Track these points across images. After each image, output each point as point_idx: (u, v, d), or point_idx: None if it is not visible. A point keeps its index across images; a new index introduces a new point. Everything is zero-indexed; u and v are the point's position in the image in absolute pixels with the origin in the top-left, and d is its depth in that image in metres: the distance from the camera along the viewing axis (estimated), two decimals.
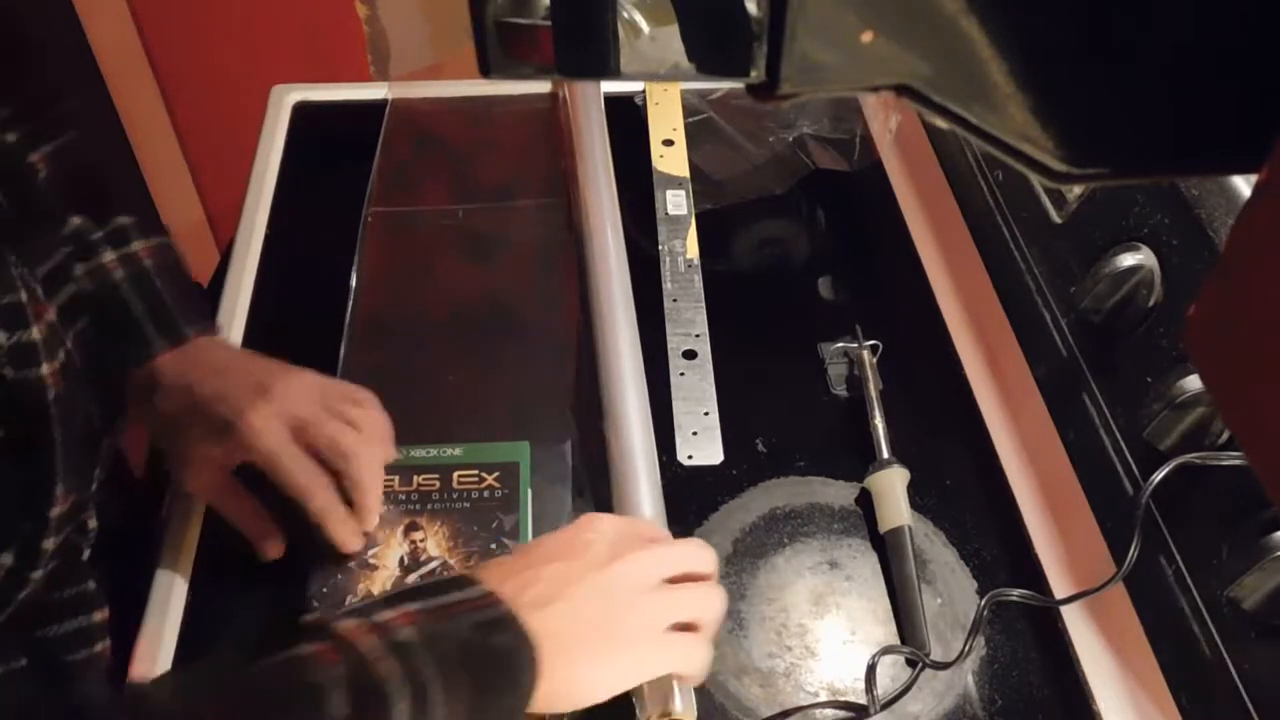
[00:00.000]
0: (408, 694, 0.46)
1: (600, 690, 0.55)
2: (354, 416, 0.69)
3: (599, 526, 0.58)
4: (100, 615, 0.68)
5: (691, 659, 0.57)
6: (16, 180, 0.66)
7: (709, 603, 0.59)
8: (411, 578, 0.68)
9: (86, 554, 0.66)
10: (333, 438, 0.67)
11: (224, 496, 0.69)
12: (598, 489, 0.74)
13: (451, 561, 0.68)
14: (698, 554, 0.60)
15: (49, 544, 0.62)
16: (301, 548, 0.69)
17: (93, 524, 0.65)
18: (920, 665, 0.66)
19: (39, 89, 0.68)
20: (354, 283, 0.86)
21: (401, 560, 0.68)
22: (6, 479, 0.59)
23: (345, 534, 0.67)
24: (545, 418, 0.76)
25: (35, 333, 0.58)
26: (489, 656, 0.49)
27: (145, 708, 0.45)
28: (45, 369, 0.58)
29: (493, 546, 0.69)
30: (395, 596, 0.52)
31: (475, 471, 0.71)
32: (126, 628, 0.67)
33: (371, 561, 0.68)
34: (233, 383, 0.67)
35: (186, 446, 0.67)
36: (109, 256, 0.69)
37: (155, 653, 0.66)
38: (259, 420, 0.65)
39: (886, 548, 0.72)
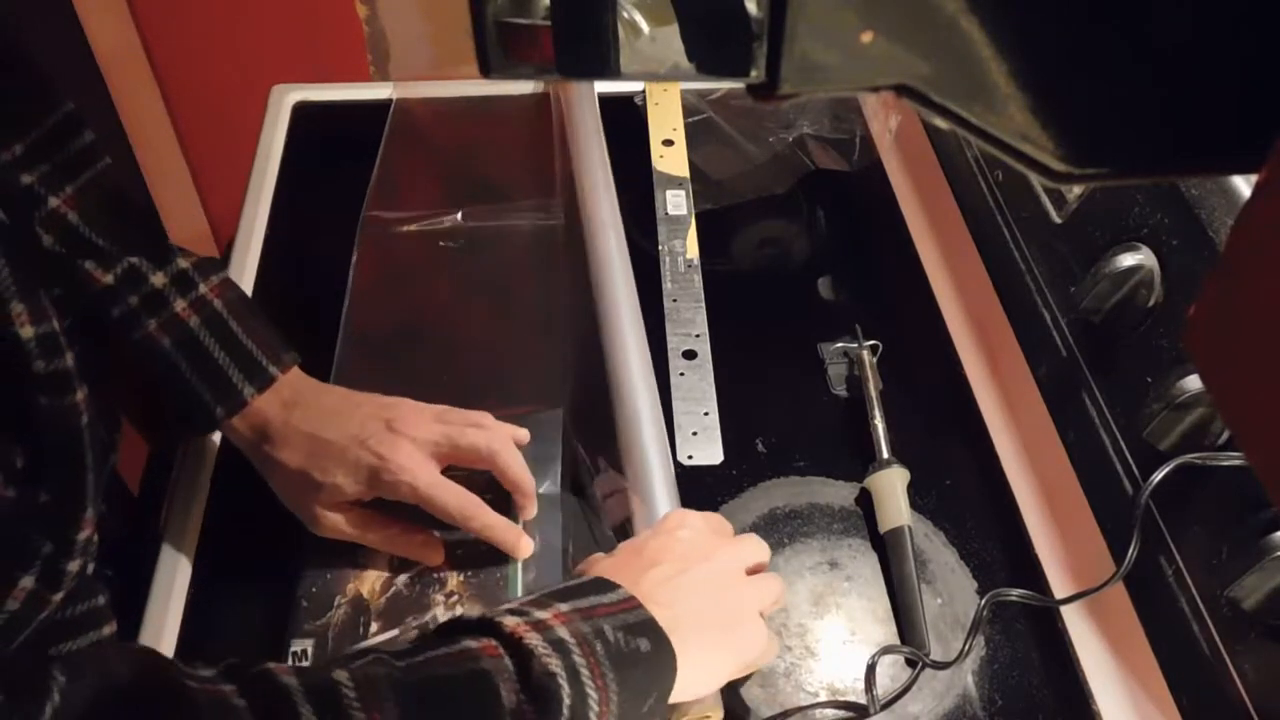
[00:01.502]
0: (569, 690, 0.47)
1: (717, 677, 0.58)
2: (475, 420, 0.70)
3: (690, 523, 0.62)
4: (109, 629, 0.68)
5: (773, 640, 0.62)
6: (42, 226, 0.65)
7: (779, 589, 0.63)
8: (401, 578, 0.68)
9: (91, 569, 0.66)
10: (473, 445, 0.68)
11: (366, 530, 0.68)
12: (588, 491, 0.74)
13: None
14: (762, 546, 0.64)
15: (73, 566, 0.62)
16: (294, 549, 0.69)
17: (95, 538, 0.65)
18: (920, 665, 0.66)
19: (55, 120, 0.66)
20: (350, 284, 0.86)
21: (391, 561, 0.68)
22: (31, 502, 0.59)
23: (515, 543, 0.68)
24: (541, 418, 0.77)
25: (69, 360, 0.58)
26: (636, 658, 0.51)
27: (325, 684, 0.44)
28: (79, 395, 0.59)
29: (482, 547, 0.68)
30: (543, 597, 0.53)
31: (463, 470, 0.71)
32: (127, 640, 0.67)
33: (361, 562, 0.68)
34: (358, 425, 0.67)
35: (322, 495, 0.67)
36: (180, 305, 0.68)
37: None
38: (403, 458, 0.66)
39: (886, 548, 0.72)
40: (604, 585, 0.55)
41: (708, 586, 0.58)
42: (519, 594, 0.67)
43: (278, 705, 0.42)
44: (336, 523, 0.67)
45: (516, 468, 0.69)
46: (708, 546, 0.60)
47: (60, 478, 0.59)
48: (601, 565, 0.59)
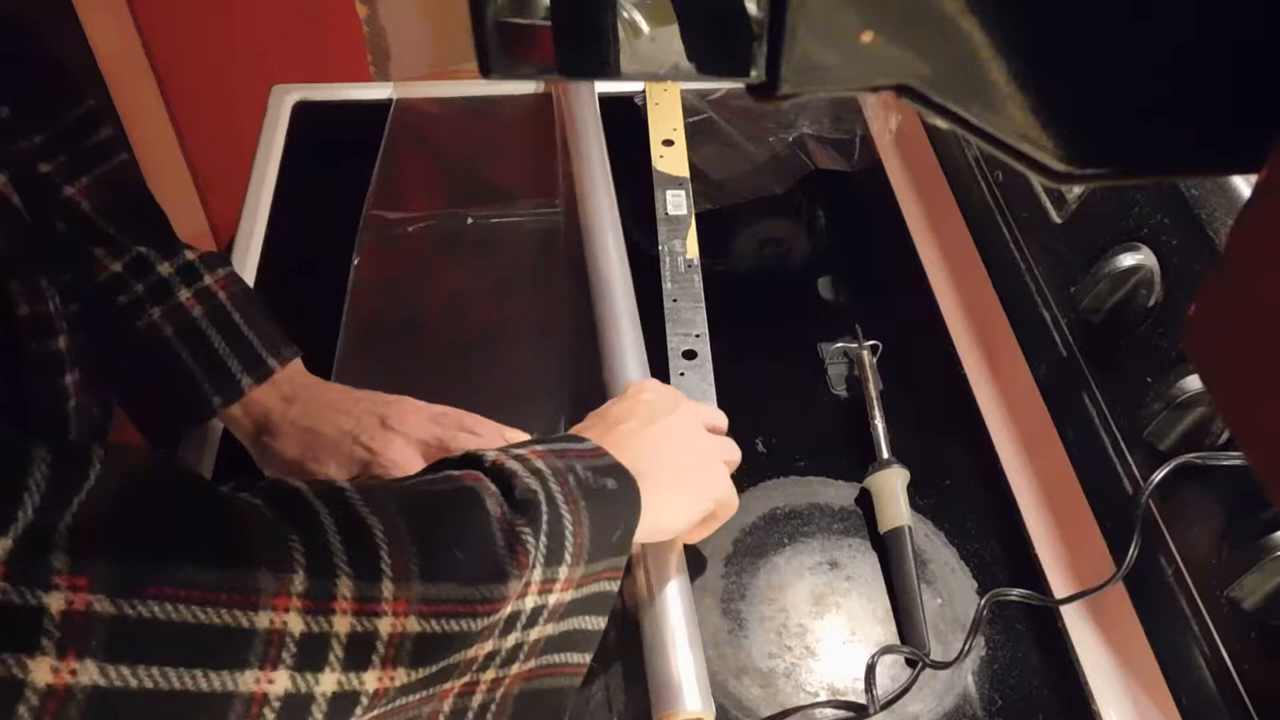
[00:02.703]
0: (547, 509, 0.50)
1: (685, 516, 0.63)
2: (469, 425, 0.70)
3: (652, 387, 0.68)
4: None
5: (732, 491, 0.66)
6: (54, 213, 0.67)
7: (737, 449, 0.68)
8: None
9: None
10: (462, 448, 0.68)
11: None
12: None
13: None
14: (719, 412, 0.71)
15: None
16: None
17: None
18: (920, 665, 0.66)
19: (76, 115, 0.68)
20: (350, 284, 0.86)
21: None
22: None
23: None
24: (541, 418, 0.77)
25: (62, 343, 0.58)
26: (604, 493, 0.54)
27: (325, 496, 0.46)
28: (69, 379, 0.59)
29: None
30: (521, 444, 0.56)
31: None
32: None
33: None
34: (353, 420, 0.69)
35: None
36: (185, 295, 0.69)
37: None
38: (394, 453, 0.67)
39: (886, 548, 0.72)
40: (574, 438, 0.59)
41: (671, 437, 0.63)
42: None
43: (291, 500, 0.44)
44: None
45: None
46: (669, 404, 0.65)
47: None
48: (572, 430, 0.62)
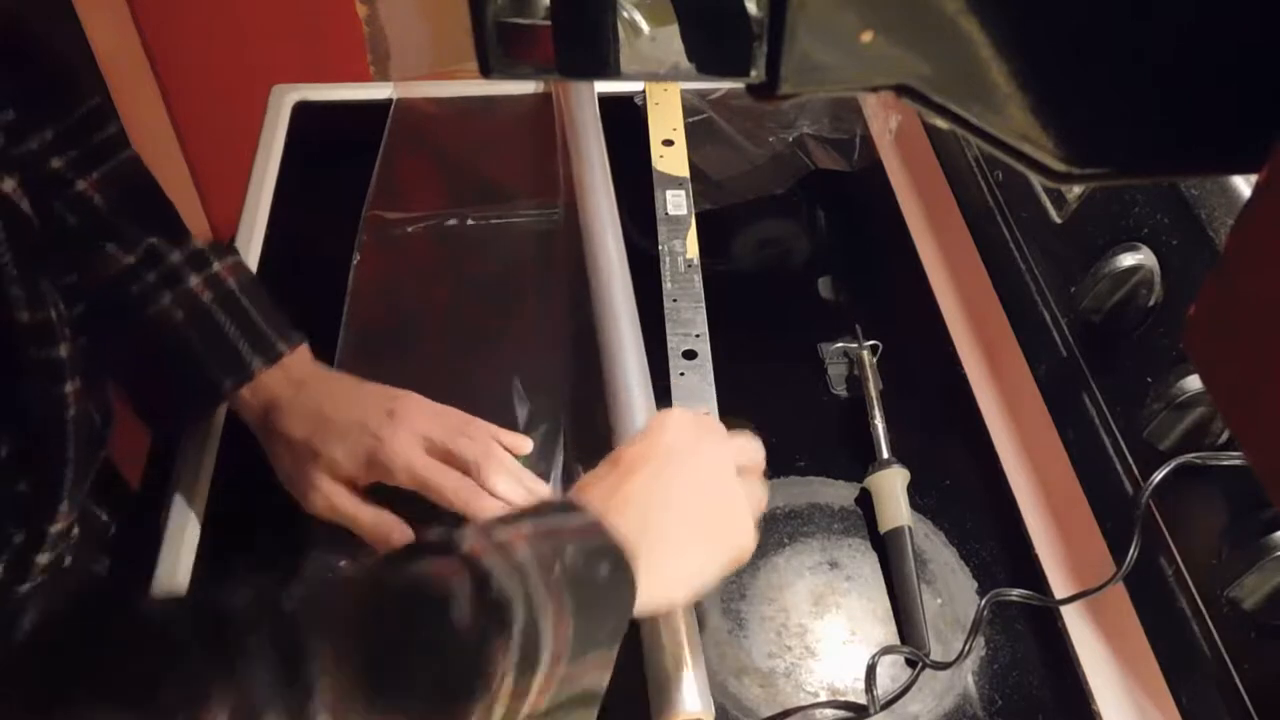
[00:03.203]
0: (523, 613, 0.47)
1: (697, 579, 0.57)
2: (470, 432, 0.71)
3: (672, 423, 0.60)
4: None
5: (754, 539, 0.60)
6: (67, 208, 0.68)
7: (763, 490, 0.63)
8: None
9: (68, 561, 0.65)
10: (459, 452, 0.69)
11: (357, 510, 0.69)
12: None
13: None
14: (754, 444, 0.63)
15: (43, 559, 0.62)
16: (294, 551, 0.69)
17: (75, 532, 0.65)
18: (920, 665, 0.66)
19: (83, 111, 0.69)
20: (350, 284, 0.86)
21: None
22: (8, 491, 0.59)
23: None
24: (541, 419, 0.76)
25: (63, 350, 0.58)
26: (596, 584, 0.50)
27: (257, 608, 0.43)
28: (69, 386, 0.59)
29: None
30: (511, 518, 0.52)
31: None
32: None
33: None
34: (361, 409, 0.69)
35: (319, 467, 0.69)
36: (195, 281, 0.70)
37: None
38: (400, 444, 0.68)
39: (886, 548, 0.72)
40: (570, 508, 0.54)
41: (689, 487, 0.57)
42: None
43: (222, 631, 0.41)
44: (329, 497, 0.69)
45: (501, 485, 0.69)
46: (691, 443, 0.59)
47: (39, 468, 0.59)
48: (581, 482, 0.59)
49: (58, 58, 0.70)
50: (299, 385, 0.71)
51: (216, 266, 0.71)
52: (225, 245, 0.74)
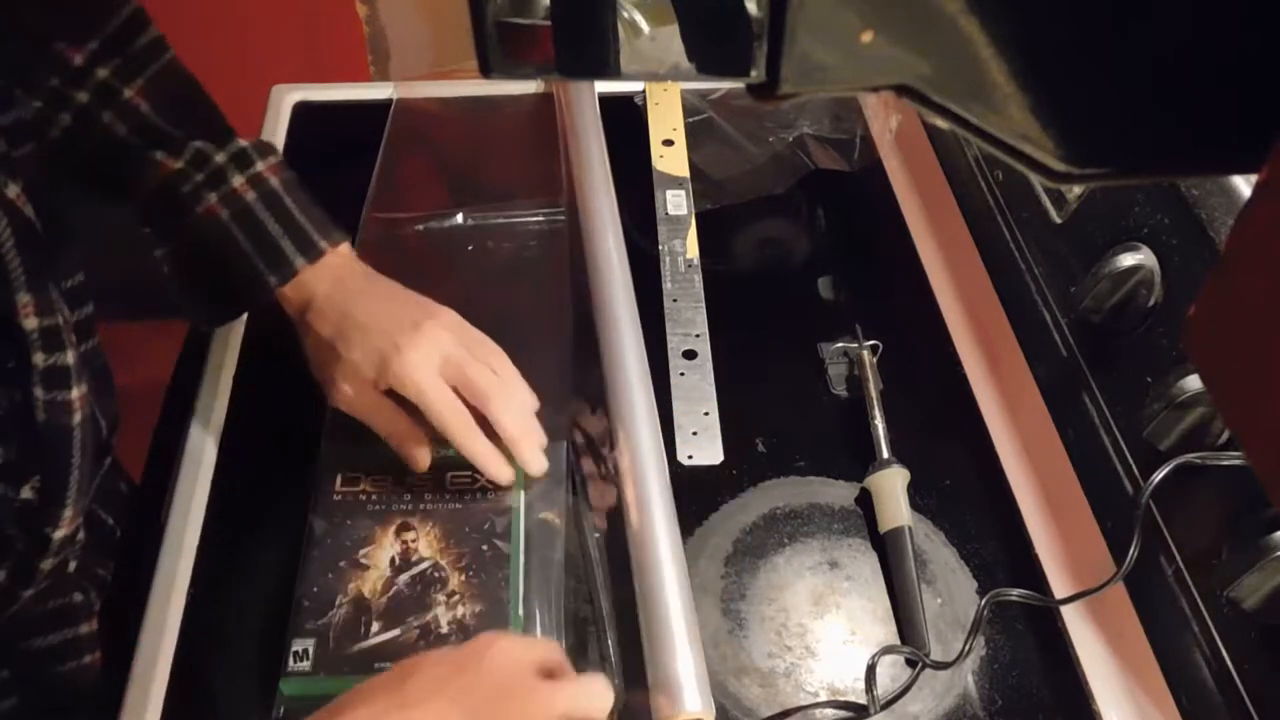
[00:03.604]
0: None
1: None
2: (495, 364, 0.71)
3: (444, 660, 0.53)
4: (87, 627, 0.68)
5: None
6: (117, 117, 0.70)
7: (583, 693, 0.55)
8: (402, 578, 0.68)
9: (73, 566, 0.65)
10: (474, 379, 0.69)
11: (374, 413, 0.71)
12: (590, 489, 0.74)
13: (443, 562, 0.68)
14: (597, 693, 0.56)
15: (46, 564, 0.62)
16: (296, 547, 0.69)
17: (81, 537, 0.65)
18: (920, 665, 0.66)
19: (123, 17, 0.71)
20: None
21: (393, 560, 0.68)
22: (12, 498, 0.59)
23: (497, 471, 0.70)
24: (542, 419, 0.76)
25: (70, 357, 0.58)
26: None
27: None
28: (75, 393, 0.59)
29: (484, 548, 0.69)
30: None
31: (468, 472, 0.71)
32: (126, 637, 0.67)
33: (363, 561, 0.68)
34: (388, 314, 0.70)
35: (341, 368, 0.70)
36: (239, 180, 0.72)
37: (154, 656, 0.66)
38: (414, 356, 0.68)
39: (886, 548, 0.72)
40: None
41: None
42: (519, 594, 0.67)
43: None
44: (349, 396, 0.70)
45: (508, 418, 0.70)
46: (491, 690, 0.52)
47: (44, 474, 0.59)
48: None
49: None
50: (338, 282, 0.72)
51: (259, 165, 0.72)
52: (266, 144, 0.75)
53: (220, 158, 0.71)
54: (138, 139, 0.70)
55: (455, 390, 0.69)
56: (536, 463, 0.71)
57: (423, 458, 0.71)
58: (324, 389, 0.72)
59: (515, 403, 0.71)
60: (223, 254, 0.71)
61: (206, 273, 0.73)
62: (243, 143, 0.73)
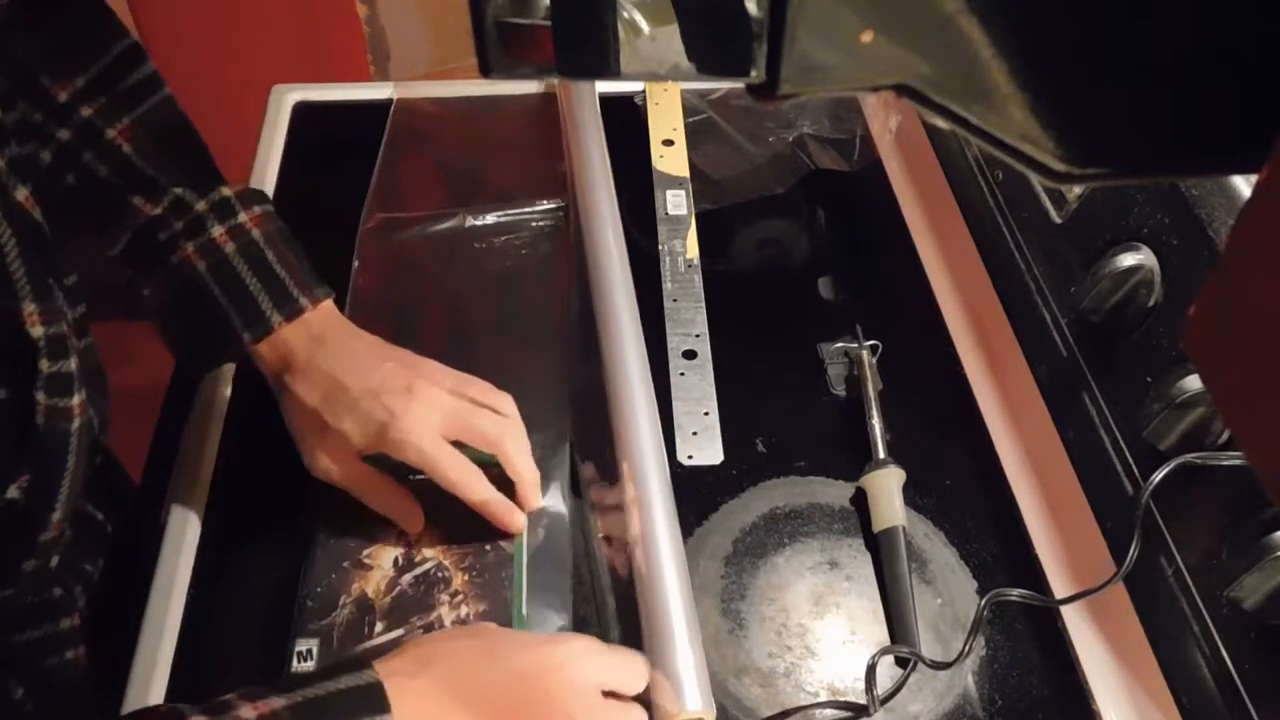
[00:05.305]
0: None
1: None
2: (493, 402, 0.71)
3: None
4: (69, 622, 0.68)
5: None
6: (97, 158, 0.68)
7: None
8: (406, 578, 0.68)
9: (55, 561, 0.65)
10: (480, 428, 0.68)
11: (363, 485, 0.69)
12: (591, 490, 0.74)
13: (446, 562, 0.68)
14: (636, 669, 0.59)
15: (29, 565, 0.62)
16: (298, 547, 0.69)
17: (68, 533, 0.65)
18: (912, 664, 0.66)
19: (118, 51, 0.69)
20: (351, 284, 0.86)
21: (396, 561, 0.68)
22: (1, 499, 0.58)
23: (509, 520, 0.69)
24: (544, 419, 0.76)
25: (73, 364, 0.58)
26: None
27: None
28: (75, 399, 0.59)
29: (487, 548, 0.69)
30: (295, 680, 0.52)
31: None
32: (114, 634, 0.67)
33: (366, 562, 0.68)
34: (378, 379, 0.68)
35: (329, 438, 0.68)
36: (218, 231, 0.70)
37: (154, 657, 0.66)
38: (413, 422, 0.67)
39: (880, 548, 0.72)
40: (349, 696, 0.52)
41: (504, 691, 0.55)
42: (523, 595, 0.67)
43: None
44: (333, 469, 0.68)
45: (521, 458, 0.69)
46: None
47: (35, 477, 0.59)
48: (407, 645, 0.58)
49: (88, 3, 0.69)
50: (318, 343, 0.70)
51: (242, 216, 0.71)
52: (255, 192, 0.73)
53: (201, 206, 0.70)
54: (118, 180, 0.68)
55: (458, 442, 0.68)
56: (537, 501, 0.71)
57: (417, 522, 0.70)
58: (305, 457, 0.69)
59: (524, 442, 0.71)
60: (198, 305, 0.69)
61: (183, 323, 0.71)
62: (227, 191, 0.71)
